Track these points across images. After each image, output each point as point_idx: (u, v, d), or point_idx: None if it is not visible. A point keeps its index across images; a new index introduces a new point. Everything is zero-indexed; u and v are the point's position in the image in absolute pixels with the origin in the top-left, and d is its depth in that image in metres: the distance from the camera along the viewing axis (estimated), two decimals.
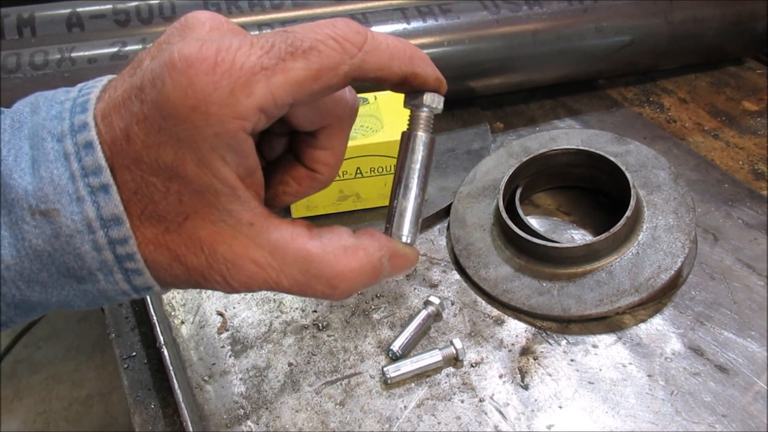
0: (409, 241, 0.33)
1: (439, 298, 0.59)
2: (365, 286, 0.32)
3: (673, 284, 0.59)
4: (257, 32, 0.70)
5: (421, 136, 0.33)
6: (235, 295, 0.62)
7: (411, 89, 0.33)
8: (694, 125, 0.79)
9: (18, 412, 1.83)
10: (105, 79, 0.30)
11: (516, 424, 0.51)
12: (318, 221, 0.66)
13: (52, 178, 0.27)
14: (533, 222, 0.64)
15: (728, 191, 0.69)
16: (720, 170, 0.72)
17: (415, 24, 0.72)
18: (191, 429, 0.48)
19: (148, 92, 0.27)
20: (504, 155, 0.70)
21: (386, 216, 0.34)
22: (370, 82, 0.31)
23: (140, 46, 0.67)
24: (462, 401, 0.53)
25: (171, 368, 0.51)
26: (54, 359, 1.95)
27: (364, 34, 0.29)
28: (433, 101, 0.33)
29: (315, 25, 0.29)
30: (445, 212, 0.68)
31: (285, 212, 0.67)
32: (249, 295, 0.62)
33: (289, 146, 0.35)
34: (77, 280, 0.29)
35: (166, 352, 0.52)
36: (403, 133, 0.34)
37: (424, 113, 0.33)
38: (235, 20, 0.75)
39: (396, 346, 0.55)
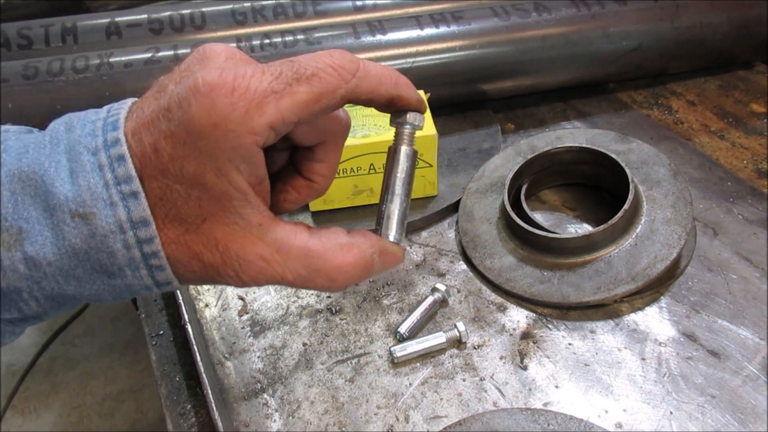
0: (396, 240, 0.38)
1: (446, 285, 0.62)
2: (359, 279, 0.37)
3: (671, 275, 0.62)
4: (280, 39, 0.75)
5: (405, 150, 0.39)
6: None
7: (396, 109, 0.38)
8: (701, 126, 0.81)
9: (54, 406, 1.90)
10: (129, 102, 0.35)
11: (514, 401, 0.54)
12: (334, 214, 0.71)
13: (89, 186, 0.32)
14: (539, 217, 0.67)
15: (730, 189, 0.71)
16: (724, 169, 0.74)
17: (429, 30, 0.77)
18: (212, 398, 0.52)
19: (175, 112, 0.32)
20: (512, 153, 0.74)
21: (376, 219, 0.39)
22: (361, 103, 0.36)
23: (172, 53, 0.72)
24: (464, 380, 0.56)
25: (194, 344, 0.56)
26: (89, 356, 2.01)
27: (357, 63, 0.35)
28: (416, 119, 0.38)
29: (315, 55, 0.34)
30: (455, 207, 0.72)
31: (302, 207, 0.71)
32: None
33: (289, 160, 0.40)
34: (108, 275, 0.33)
35: (190, 329, 0.57)
36: (390, 147, 0.39)
37: (407, 129, 0.39)
38: (260, 28, 0.80)
39: (403, 328, 0.59)
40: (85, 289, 0.33)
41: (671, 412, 0.52)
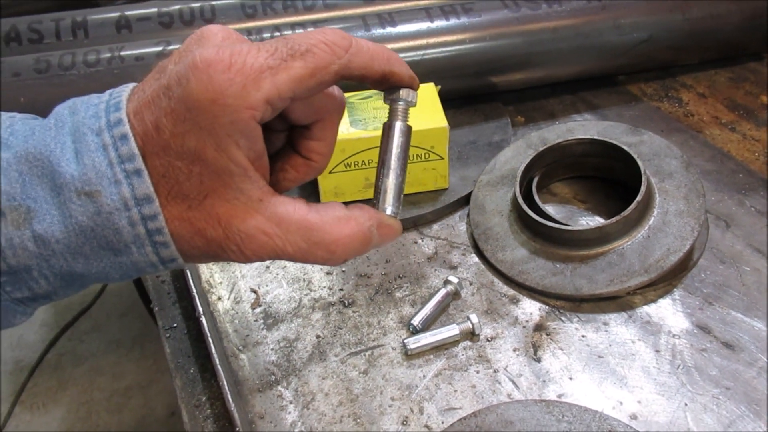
0: (393, 213, 0.39)
1: (458, 278, 0.62)
2: (358, 252, 0.37)
3: (684, 267, 0.62)
4: (290, 32, 0.75)
5: (400, 125, 0.39)
6: (268, 274, 0.66)
7: (389, 86, 0.39)
8: (712, 118, 0.81)
9: (62, 402, 1.91)
10: (131, 85, 0.36)
11: (528, 393, 0.54)
12: None
13: (94, 165, 0.32)
14: (550, 209, 0.67)
15: (742, 181, 0.71)
16: (735, 161, 0.74)
17: (439, 22, 0.76)
18: (227, 390, 0.52)
19: (175, 90, 0.32)
20: (522, 146, 0.74)
21: (373, 193, 0.40)
22: (355, 80, 0.37)
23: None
24: (477, 372, 0.56)
25: (209, 335, 0.56)
26: (96, 352, 2.02)
27: (349, 40, 0.36)
28: (408, 95, 0.39)
29: (309, 33, 0.35)
30: (466, 200, 0.72)
31: (306, 197, 0.71)
32: (280, 274, 0.66)
33: (287, 140, 0.41)
34: (114, 252, 0.34)
35: (204, 321, 0.57)
36: (384, 124, 0.40)
37: (400, 106, 0.39)
38: (270, 21, 0.80)
39: (416, 320, 0.59)
40: (93, 267, 0.34)
41: (686, 404, 0.52)
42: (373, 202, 0.39)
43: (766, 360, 0.54)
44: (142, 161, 0.33)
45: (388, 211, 0.39)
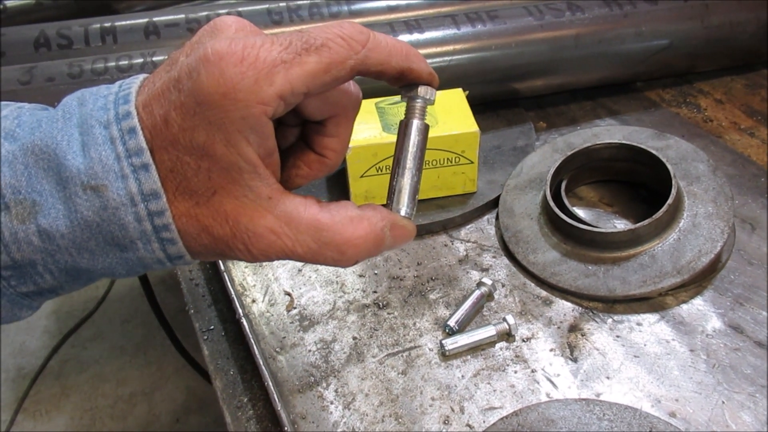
0: (407, 214, 0.38)
1: (491, 279, 0.63)
2: (370, 254, 0.36)
3: (713, 268, 0.63)
4: None
5: (417, 123, 0.38)
6: (301, 277, 0.67)
7: (407, 82, 0.38)
8: (731, 124, 0.83)
9: (65, 409, 1.90)
10: (141, 77, 0.35)
11: (567, 392, 0.55)
12: None
13: (101, 159, 0.32)
14: (579, 212, 0.68)
15: (765, 185, 0.72)
16: (756, 165, 0.75)
17: (465, 29, 0.78)
18: (273, 390, 0.53)
19: (185, 83, 0.32)
20: (549, 150, 0.75)
21: (387, 193, 0.38)
22: (372, 75, 0.36)
23: None
24: (515, 372, 0.57)
25: (250, 337, 0.56)
26: (99, 359, 2.01)
27: (367, 34, 0.34)
28: (427, 93, 0.38)
29: (325, 26, 0.34)
30: (494, 204, 0.73)
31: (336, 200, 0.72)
32: (313, 277, 0.67)
33: (300, 136, 0.40)
34: (120, 248, 0.33)
35: (245, 323, 0.58)
36: (401, 122, 0.39)
37: (418, 103, 0.38)
38: (295, 28, 0.81)
39: (452, 321, 0.60)
40: (99, 263, 0.33)
41: (723, 402, 0.53)
42: (387, 202, 0.38)
43: None
44: (150, 156, 0.32)
45: (402, 212, 0.38)
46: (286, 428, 0.50)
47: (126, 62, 0.71)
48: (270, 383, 0.53)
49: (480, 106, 0.84)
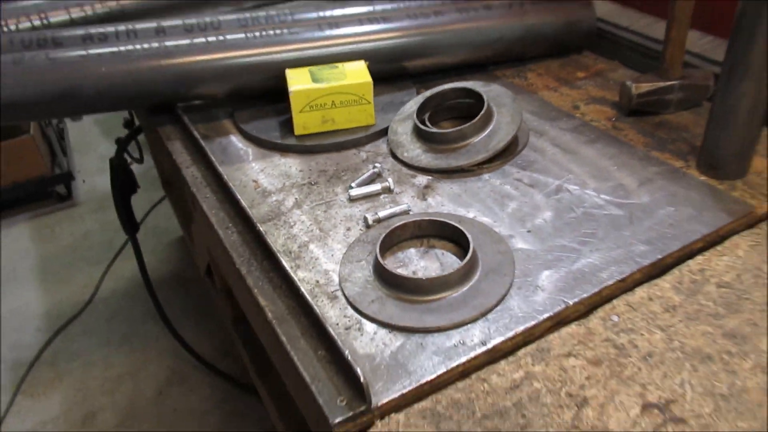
0: None
1: (380, 165, 1.04)
2: None
3: (512, 151, 1.05)
4: (274, 32, 1.17)
5: None
6: (266, 171, 1.06)
7: None
8: (544, 86, 1.27)
9: (59, 389, 2.14)
10: None
11: (421, 210, 0.95)
12: (310, 138, 1.12)
13: None
14: (433, 129, 1.10)
15: (554, 115, 1.16)
16: (552, 106, 1.19)
17: (368, 27, 1.20)
18: (250, 213, 0.91)
19: None
20: (420, 99, 1.17)
21: None
22: None
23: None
24: (392, 207, 0.97)
25: (241, 201, 0.95)
26: (88, 349, 2.25)
27: None
28: None
29: None
30: (385, 132, 1.14)
31: (287, 131, 1.12)
32: (272, 171, 1.07)
33: None
34: None
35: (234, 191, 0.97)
36: None
37: None
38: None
39: (354, 183, 1.00)
40: None
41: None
42: None
43: (555, 184, 0.97)
44: None
45: None
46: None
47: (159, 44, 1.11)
48: (250, 213, 0.91)
49: (382, 81, 1.27)
